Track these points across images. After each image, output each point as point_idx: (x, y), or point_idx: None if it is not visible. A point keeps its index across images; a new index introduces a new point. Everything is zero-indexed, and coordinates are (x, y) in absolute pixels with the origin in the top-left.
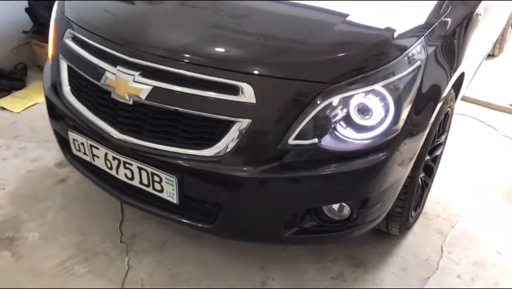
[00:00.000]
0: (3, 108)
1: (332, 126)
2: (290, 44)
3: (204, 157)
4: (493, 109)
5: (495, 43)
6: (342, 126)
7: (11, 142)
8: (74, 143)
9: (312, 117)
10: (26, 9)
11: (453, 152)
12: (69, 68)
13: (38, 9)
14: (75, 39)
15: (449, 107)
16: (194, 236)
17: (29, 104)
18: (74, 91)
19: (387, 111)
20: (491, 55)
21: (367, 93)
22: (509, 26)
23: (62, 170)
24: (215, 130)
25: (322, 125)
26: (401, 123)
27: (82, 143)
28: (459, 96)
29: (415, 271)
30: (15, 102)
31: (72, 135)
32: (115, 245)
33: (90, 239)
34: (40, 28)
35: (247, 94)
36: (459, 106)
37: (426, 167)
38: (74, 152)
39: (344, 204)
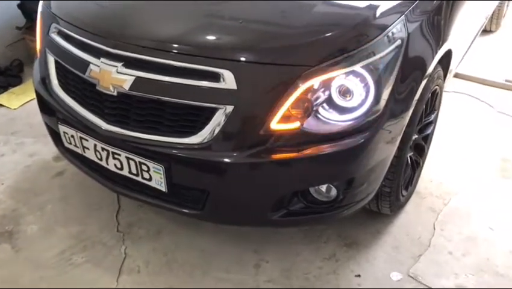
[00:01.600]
0: (1, 105)
1: (314, 108)
2: (269, 28)
3: (189, 145)
4: (489, 85)
5: (491, 18)
6: (324, 108)
7: (8, 138)
8: (65, 136)
9: (294, 101)
10: (18, 6)
11: (447, 130)
12: (56, 62)
13: (30, 5)
14: (60, 33)
15: (437, 85)
16: (189, 223)
17: (26, 100)
18: (62, 85)
19: (367, 92)
20: (488, 31)
21: (347, 74)
22: (506, 0)
23: (59, 163)
24: (198, 118)
25: (304, 108)
26: (382, 102)
27: (72, 136)
28: (449, 74)
29: (407, 249)
30: (12, 99)
31: (62, 128)
32: (113, 235)
33: (88, 229)
34: (33, 24)
35: (228, 80)
36: (453, 83)
37: (416, 146)
38: (66, 144)
39: (330, 185)
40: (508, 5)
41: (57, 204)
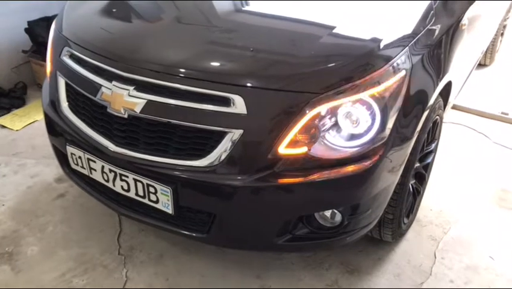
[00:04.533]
0: (3, 126)
1: (321, 134)
2: (279, 56)
3: (198, 167)
4: (485, 117)
5: (486, 52)
6: (331, 135)
7: (10, 159)
8: (72, 157)
9: (302, 126)
10: (26, 30)
11: (446, 160)
12: (67, 84)
13: (37, 29)
14: (72, 56)
15: (437, 115)
16: (191, 247)
17: (28, 122)
18: (72, 107)
19: (373, 119)
20: (482, 65)
21: (354, 102)
22: (500, 35)
23: (61, 185)
24: (208, 141)
25: (311, 134)
26: (388, 131)
27: (80, 157)
28: (449, 105)
29: (409, 277)
30: (15, 120)
31: (70, 150)
32: (114, 258)
33: (89, 252)
34: (39, 47)
35: (239, 105)
36: (451, 114)
37: (417, 175)
38: (73, 165)
39: (335, 211)
40: (501, 41)
41: (58, 226)
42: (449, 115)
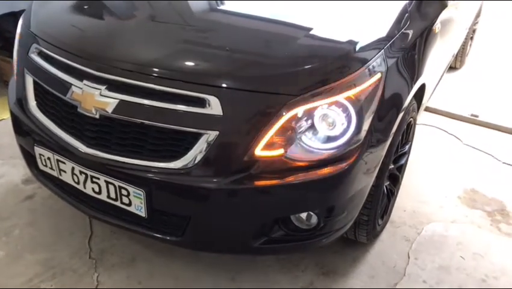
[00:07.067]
0: None
1: (298, 136)
2: (255, 57)
3: (172, 169)
4: (456, 119)
5: (456, 56)
6: (307, 137)
7: None
8: (40, 158)
9: (278, 128)
10: None
11: (418, 161)
12: (35, 83)
13: (4, 25)
14: (41, 54)
15: (411, 117)
16: (165, 250)
17: None
18: (41, 106)
19: (349, 122)
20: (452, 68)
21: (330, 104)
22: (469, 39)
23: (29, 186)
24: (182, 143)
25: (288, 136)
26: (363, 133)
27: (49, 158)
28: (422, 107)
29: (384, 278)
30: None
31: (38, 150)
32: (84, 262)
33: (58, 256)
34: (5, 43)
35: (214, 106)
36: (423, 116)
37: (391, 176)
38: (41, 167)
39: (311, 213)
40: (471, 44)
41: (25, 229)
42: (421, 117)
